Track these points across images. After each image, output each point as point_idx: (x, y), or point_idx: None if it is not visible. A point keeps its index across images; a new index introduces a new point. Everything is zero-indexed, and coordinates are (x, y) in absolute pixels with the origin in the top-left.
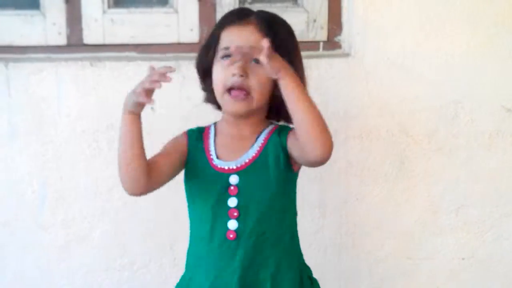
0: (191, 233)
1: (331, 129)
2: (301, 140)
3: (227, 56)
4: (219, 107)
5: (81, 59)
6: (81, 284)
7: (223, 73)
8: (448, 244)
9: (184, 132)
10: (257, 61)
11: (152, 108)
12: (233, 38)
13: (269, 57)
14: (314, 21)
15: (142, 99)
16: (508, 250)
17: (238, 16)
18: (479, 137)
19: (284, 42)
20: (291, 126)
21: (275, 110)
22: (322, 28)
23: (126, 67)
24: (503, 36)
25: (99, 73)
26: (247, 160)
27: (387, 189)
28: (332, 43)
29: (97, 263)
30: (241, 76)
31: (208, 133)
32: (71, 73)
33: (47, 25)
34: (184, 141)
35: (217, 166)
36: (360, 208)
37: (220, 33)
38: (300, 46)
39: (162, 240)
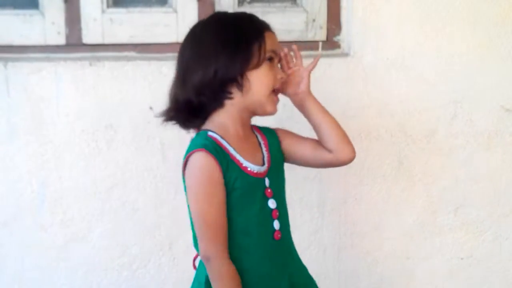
0: (236, 245)
1: None
2: (334, 147)
3: (270, 58)
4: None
5: (80, 58)
6: (80, 283)
7: (271, 74)
8: (447, 244)
9: (212, 161)
10: None
11: (151, 108)
12: (274, 42)
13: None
14: (313, 21)
15: None
16: (507, 250)
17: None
18: (478, 137)
19: None
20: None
21: None
22: (321, 28)
23: (125, 67)
24: (503, 36)
25: (98, 72)
26: (266, 161)
27: (386, 189)
28: (331, 43)
29: (96, 263)
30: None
31: (221, 142)
32: (70, 72)
33: (46, 25)
34: (219, 172)
35: (253, 172)
36: (359, 208)
37: (264, 36)
38: (299, 46)
39: (161, 240)
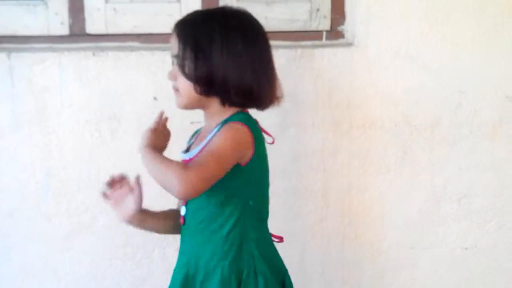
0: None
1: (334, 119)
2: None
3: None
4: None
5: (83, 49)
6: (85, 273)
7: None
8: (450, 233)
9: None
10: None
11: (155, 98)
12: (172, 45)
13: None
14: (317, 10)
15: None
16: (511, 239)
17: None
18: (483, 127)
19: (187, 35)
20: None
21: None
22: (325, 17)
23: (128, 57)
24: (508, 26)
25: (102, 63)
26: (197, 151)
27: (390, 179)
28: (335, 33)
29: (100, 253)
30: (171, 80)
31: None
32: (74, 63)
33: (49, 15)
34: None
35: (182, 158)
36: (363, 198)
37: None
38: (303, 35)
39: None
